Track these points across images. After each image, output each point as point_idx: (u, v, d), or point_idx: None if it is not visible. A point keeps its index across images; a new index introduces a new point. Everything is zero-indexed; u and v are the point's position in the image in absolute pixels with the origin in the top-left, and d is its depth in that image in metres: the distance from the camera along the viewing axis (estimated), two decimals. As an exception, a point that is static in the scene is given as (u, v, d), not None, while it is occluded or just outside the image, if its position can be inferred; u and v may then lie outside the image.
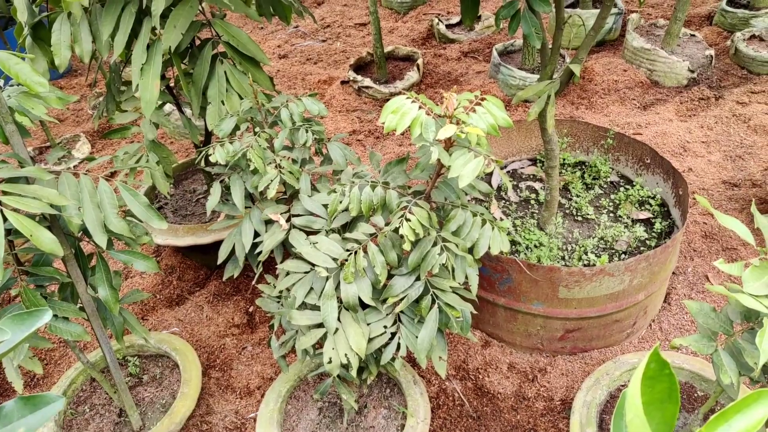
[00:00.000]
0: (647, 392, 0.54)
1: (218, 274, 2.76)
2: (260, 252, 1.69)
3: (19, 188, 1.23)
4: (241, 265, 1.77)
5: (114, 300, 1.59)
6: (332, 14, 5.59)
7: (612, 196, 2.60)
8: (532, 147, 2.86)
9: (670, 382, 0.54)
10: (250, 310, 2.57)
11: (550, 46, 2.00)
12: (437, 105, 1.34)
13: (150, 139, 2.09)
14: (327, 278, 1.47)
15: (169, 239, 2.47)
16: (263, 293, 1.75)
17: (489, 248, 1.48)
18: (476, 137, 1.29)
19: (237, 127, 1.76)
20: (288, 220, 1.67)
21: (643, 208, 2.52)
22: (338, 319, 1.47)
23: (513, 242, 2.35)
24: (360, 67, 4.34)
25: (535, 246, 2.31)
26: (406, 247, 1.38)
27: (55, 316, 1.52)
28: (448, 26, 4.91)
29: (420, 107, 1.30)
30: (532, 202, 2.60)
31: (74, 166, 3.58)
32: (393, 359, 1.51)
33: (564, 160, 2.79)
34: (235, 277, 1.90)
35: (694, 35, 4.21)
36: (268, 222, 1.75)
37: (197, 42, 2.09)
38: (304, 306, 1.54)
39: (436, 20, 4.84)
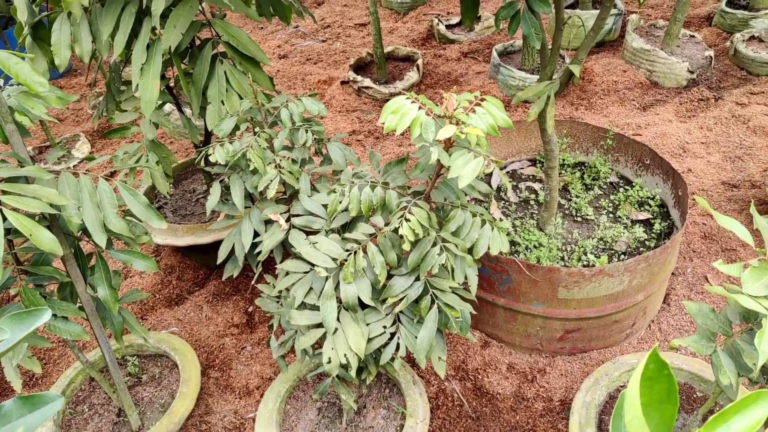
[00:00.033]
0: (646, 393, 0.54)
1: (218, 274, 2.76)
2: (260, 252, 1.69)
3: (18, 188, 1.23)
4: (241, 265, 1.77)
5: (113, 299, 1.59)
6: (332, 14, 5.59)
7: (611, 197, 2.60)
8: (531, 147, 2.87)
9: (668, 382, 0.54)
10: (250, 309, 2.57)
11: (550, 47, 2.00)
12: (437, 105, 1.34)
13: (150, 139, 2.09)
14: (326, 278, 1.47)
15: (169, 239, 2.46)
16: (262, 293, 1.75)
17: (488, 249, 1.48)
18: (476, 138, 1.29)
19: (237, 127, 1.76)
20: (288, 220, 1.68)
21: (642, 208, 2.52)
22: (337, 319, 1.47)
23: (512, 243, 2.35)
24: (360, 67, 4.34)
25: (535, 246, 2.31)
26: (406, 247, 1.38)
27: (54, 315, 1.52)
28: (448, 27, 4.91)
29: (420, 108, 1.30)
30: (532, 202, 2.60)
31: (74, 166, 3.58)
32: (392, 359, 1.51)
33: (563, 160, 2.79)
34: (234, 276, 1.90)
35: (693, 36, 4.21)
36: (268, 222, 1.75)
37: (197, 42, 2.09)
38: (303, 306, 1.54)
39: (436, 21, 4.84)
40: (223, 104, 1.96)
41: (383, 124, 1.28)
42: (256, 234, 1.77)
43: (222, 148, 1.66)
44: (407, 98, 1.31)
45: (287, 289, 1.62)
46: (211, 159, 1.66)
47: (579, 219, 2.49)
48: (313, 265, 1.51)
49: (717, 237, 2.74)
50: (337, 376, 1.66)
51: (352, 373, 1.47)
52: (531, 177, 2.78)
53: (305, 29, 5.35)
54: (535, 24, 1.83)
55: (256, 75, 2.04)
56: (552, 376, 2.19)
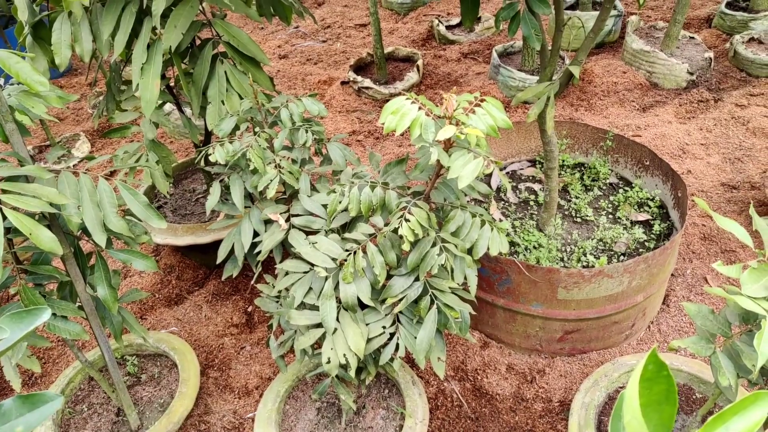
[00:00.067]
0: (645, 394, 0.54)
1: (217, 274, 2.76)
2: (259, 252, 1.69)
3: (18, 187, 1.23)
4: (240, 264, 1.77)
5: (113, 299, 1.59)
6: (332, 15, 5.59)
7: (611, 198, 2.60)
8: (531, 148, 2.87)
9: (667, 383, 0.54)
10: (249, 309, 2.57)
11: (550, 48, 2.00)
12: (437, 106, 1.34)
13: (150, 139, 2.09)
14: (326, 278, 1.47)
15: (169, 238, 2.46)
16: (262, 293, 1.75)
17: (488, 249, 1.48)
18: (475, 138, 1.29)
19: (237, 127, 1.76)
20: (287, 220, 1.68)
21: (642, 209, 2.52)
22: (337, 319, 1.47)
23: (512, 243, 2.35)
24: (360, 67, 4.34)
25: (534, 247, 2.31)
26: (405, 247, 1.38)
27: (53, 314, 1.52)
28: (448, 27, 4.91)
29: (420, 108, 1.30)
30: (532, 203, 2.60)
31: (74, 165, 3.58)
32: (391, 360, 1.51)
33: (563, 161, 2.79)
34: (234, 276, 1.91)
35: (693, 38, 4.21)
36: (268, 222, 1.75)
37: (197, 42, 2.09)
38: (302, 306, 1.54)
39: (436, 21, 4.84)
40: (224, 104, 1.96)
41: (383, 124, 1.29)
42: (255, 234, 1.77)
43: (222, 148, 1.66)
44: (407, 99, 1.31)
45: (287, 289, 1.62)
46: (211, 159, 1.66)
47: (578, 220, 2.49)
48: (312, 265, 1.51)
49: (716, 238, 2.74)
50: (337, 376, 1.66)
51: (352, 373, 1.47)
52: (531, 178, 2.78)
53: (306, 29, 5.35)
54: (535, 25, 1.83)
55: (256, 75, 2.04)
56: (551, 377, 2.19)
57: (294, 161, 1.77)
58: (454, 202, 1.52)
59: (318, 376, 2.09)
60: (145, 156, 2.10)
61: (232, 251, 1.78)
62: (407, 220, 1.37)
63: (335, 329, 1.46)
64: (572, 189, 2.63)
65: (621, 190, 2.62)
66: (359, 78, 4.06)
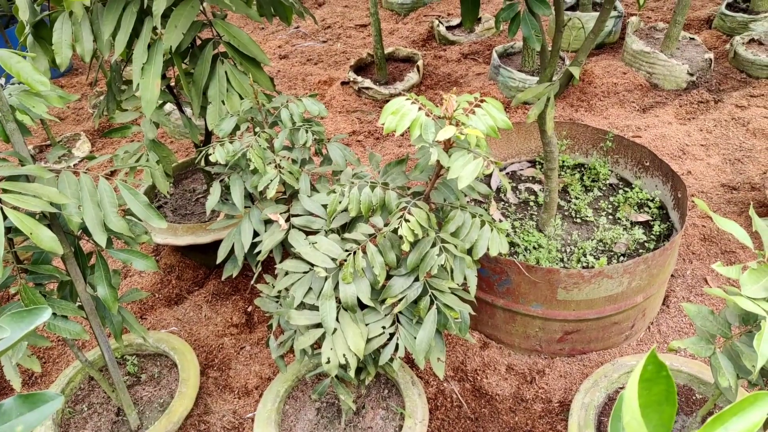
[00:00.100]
0: (644, 394, 0.54)
1: (217, 274, 2.76)
2: (259, 252, 1.69)
3: (19, 186, 1.23)
4: (240, 264, 1.77)
5: (113, 299, 1.59)
6: (333, 15, 5.60)
7: (611, 199, 2.60)
8: (531, 149, 2.87)
9: (667, 384, 0.54)
10: (249, 309, 2.57)
11: (550, 49, 2.00)
12: (437, 106, 1.34)
13: (150, 139, 2.09)
14: (326, 278, 1.47)
15: (169, 238, 2.47)
16: (262, 293, 1.75)
17: (488, 249, 1.48)
18: (475, 139, 1.29)
19: (237, 127, 1.76)
20: (287, 220, 1.68)
21: (641, 210, 2.52)
22: (337, 320, 1.47)
23: (512, 244, 2.35)
24: (360, 68, 4.34)
25: (534, 248, 2.31)
26: (405, 247, 1.38)
27: (54, 314, 1.52)
28: (449, 28, 4.91)
29: (420, 108, 1.30)
30: (531, 203, 2.60)
31: (74, 165, 3.58)
32: (391, 360, 1.52)
33: (563, 162, 2.79)
34: (233, 276, 1.91)
35: (693, 39, 4.21)
36: (268, 222, 1.75)
37: (198, 42, 2.10)
38: (302, 306, 1.55)
39: (437, 22, 4.84)
40: (224, 104, 1.97)
41: (383, 124, 1.29)
42: (255, 234, 1.77)
43: (222, 148, 1.66)
44: (407, 99, 1.31)
45: (286, 289, 1.62)
46: (212, 159, 1.66)
47: (578, 220, 2.49)
48: (312, 265, 1.51)
49: (716, 239, 2.74)
50: (336, 376, 1.66)
51: (351, 373, 1.47)
52: (530, 178, 2.78)
53: (306, 30, 5.35)
54: (535, 26, 1.83)
55: (256, 75, 2.04)
56: (551, 378, 2.19)
57: (294, 161, 1.77)
58: (453, 203, 1.52)
59: (318, 376, 2.09)
60: (145, 156, 2.10)
61: (232, 251, 1.79)
62: (407, 221, 1.37)
63: (335, 329, 1.46)
64: (572, 190, 2.64)
65: (621, 191, 2.62)
66: (359, 78, 4.06)
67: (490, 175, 2.75)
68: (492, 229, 1.48)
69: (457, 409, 2.11)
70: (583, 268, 2.23)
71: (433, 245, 1.42)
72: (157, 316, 2.56)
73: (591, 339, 2.20)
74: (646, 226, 2.44)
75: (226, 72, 1.98)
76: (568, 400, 2.10)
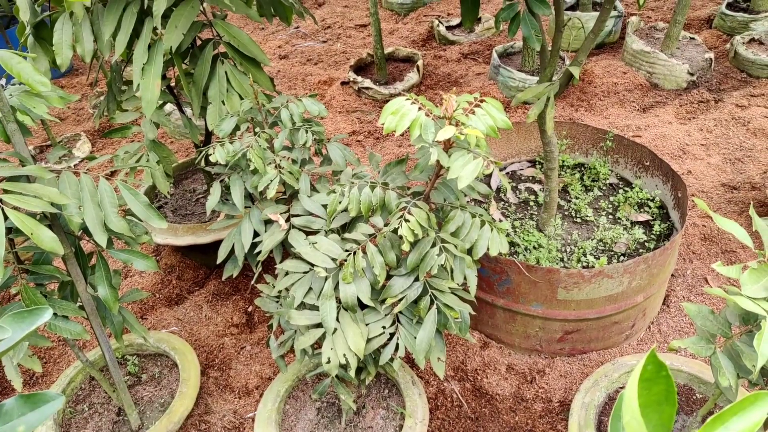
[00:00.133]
0: (644, 394, 0.54)
1: (217, 274, 2.76)
2: (259, 252, 1.69)
3: (20, 187, 1.23)
4: (241, 264, 1.77)
5: (113, 299, 1.59)
6: (333, 15, 5.60)
7: (611, 198, 2.60)
8: (531, 149, 2.87)
9: (667, 384, 0.54)
10: (249, 309, 2.57)
11: (550, 49, 2.00)
12: (437, 106, 1.35)
13: (150, 139, 2.10)
14: (326, 278, 1.47)
15: (169, 238, 2.47)
16: (262, 293, 1.75)
17: (488, 249, 1.48)
18: (475, 139, 1.29)
19: (237, 127, 1.76)
20: (287, 220, 1.68)
21: (642, 210, 2.52)
22: (337, 319, 1.47)
23: (512, 244, 2.35)
24: (360, 68, 4.34)
25: (534, 247, 2.31)
26: (405, 247, 1.38)
27: (54, 314, 1.52)
28: (448, 28, 4.91)
29: (419, 108, 1.30)
30: (531, 203, 2.60)
31: (75, 165, 3.59)
32: (391, 360, 1.52)
33: (563, 161, 2.79)
34: (234, 276, 1.91)
35: (693, 38, 4.21)
36: (268, 222, 1.75)
37: (198, 42, 2.10)
38: (302, 306, 1.55)
39: (437, 22, 4.84)
40: (224, 104, 1.97)
41: (383, 124, 1.29)
42: (256, 234, 1.77)
43: (222, 148, 1.66)
44: (407, 99, 1.31)
45: (287, 289, 1.62)
46: (212, 159, 1.66)
47: (578, 220, 2.49)
48: (312, 265, 1.52)
49: (717, 239, 2.74)
50: (336, 376, 1.66)
51: (351, 373, 1.47)
52: (530, 178, 2.78)
53: (306, 30, 5.35)
54: (535, 26, 1.83)
55: (256, 75, 2.04)
56: (551, 377, 2.19)
57: (294, 161, 1.77)
58: (453, 203, 1.52)
59: (318, 376, 2.09)
60: (145, 156, 2.10)
61: (232, 251, 1.79)
62: (407, 221, 1.37)
63: (335, 329, 1.47)
64: (572, 189, 2.64)
65: (621, 191, 2.62)
66: (359, 78, 4.06)
67: (490, 175, 2.75)
68: (492, 229, 1.48)
69: (458, 408, 2.12)
70: (584, 267, 2.23)
71: (433, 245, 1.42)
72: (157, 316, 2.57)
73: (591, 339, 2.20)
74: (647, 225, 2.44)
75: (226, 72, 1.98)
76: (568, 399, 2.10)
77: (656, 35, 4.30)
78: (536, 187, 2.71)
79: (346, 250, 1.46)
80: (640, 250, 2.30)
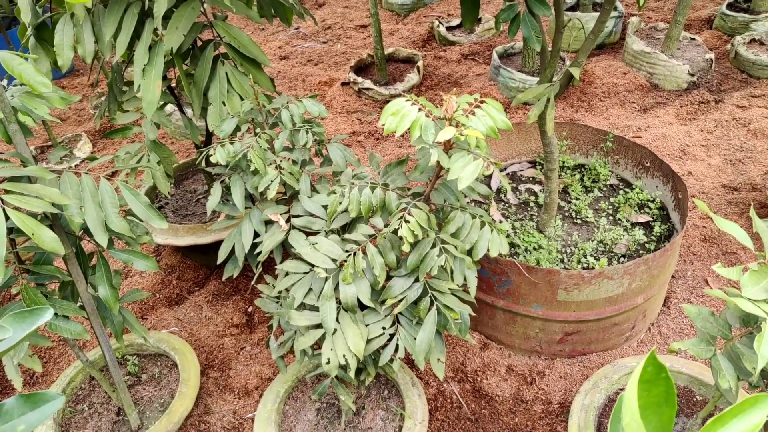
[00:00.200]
0: (644, 396, 0.54)
1: (218, 274, 2.76)
2: (260, 252, 1.69)
3: (21, 187, 1.23)
4: (241, 265, 1.78)
5: (114, 299, 1.59)
6: (333, 16, 5.60)
7: (611, 199, 2.60)
8: (531, 149, 2.87)
9: (666, 385, 0.54)
10: (249, 310, 2.58)
11: (550, 49, 2.00)
12: (437, 107, 1.35)
13: (151, 139, 2.10)
14: (326, 279, 1.47)
15: (169, 239, 2.47)
16: (262, 293, 1.75)
17: (488, 250, 1.48)
18: (475, 140, 1.29)
19: (238, 128, 1.76)
20: (288, 220, 1.68)
21: (642, 211, 2.52)
22: (337, 320, 1.47)
23: (512, 245, 2.36)
24: (360, 68, 4.35)
25: (534, 248, 2.31)
26: (405, 248, 1.38)
27: (55, 314, 1.52)
28: (449, 28, 4.92)
29: (420, 109, 1.30)
30: (532, 204, 2.60)
31: (76, 166, 3.59)
32: (391, 361, 1.52)
33: (563, 162, 2.80)
34: (234, 277, 1.91)
35: (694, 39, 4.21)
36: (268, 222, 1.76)
37: (199, 43, 2.10)
38: (302, 306, 1.55)
39: (437, 22, 4.85)
40: (224, 105, 1.97)
41: (383, 125, 1.29)
42: (256, 234, 1.77)
43: (223, 149, 1.66)
44: (407, 100, 1.32)
45: (287, 290, 1.62)
46: (212, 159, 1.66)
47: (579, 221, 2.49)
48: (312, 265, 1.52)
49: (717, 240, 2.74)
50: (336, 376, 1.66)
51: (351, 374, 1.47)
52: (531, 179, 2.78)
53: (306, 31, 5.35)
54: (535, 26, 1.83)
55: (257, 76, 2.04)
56: (551, 379, 2.19)
57: (294, 162, 1.77)
58: (453, 204, 1.52)
59: (318, 376, 2.09)
60: (146, 156, 2.10)
61: (232, 252, 1.79)
62: (407, 222, 1.37)
63: (335, 330, 1.47)
64: (572, 190, 2.64)
65: (621, 192, 2.62)
66: (360, 79, 4.06)
67: (490, 176, 2.76)
68: (492, 230, 1.48)
69: (457, 410, 2.12)
70: (584, 269, 2.23)
71: (433, 246, 1.42)
72: (157, 316, 2.57)
73: (591, 340, 2.20)
74: (647, 227, 2.44)
75: (226, 73, 1.98)
76: (568, 401, 2.10)
77: (657, 36, 4.30)
78: (536, 188, 2.71)
79: (346, 251, 1.46)
80: (641, 252, 2.30)
